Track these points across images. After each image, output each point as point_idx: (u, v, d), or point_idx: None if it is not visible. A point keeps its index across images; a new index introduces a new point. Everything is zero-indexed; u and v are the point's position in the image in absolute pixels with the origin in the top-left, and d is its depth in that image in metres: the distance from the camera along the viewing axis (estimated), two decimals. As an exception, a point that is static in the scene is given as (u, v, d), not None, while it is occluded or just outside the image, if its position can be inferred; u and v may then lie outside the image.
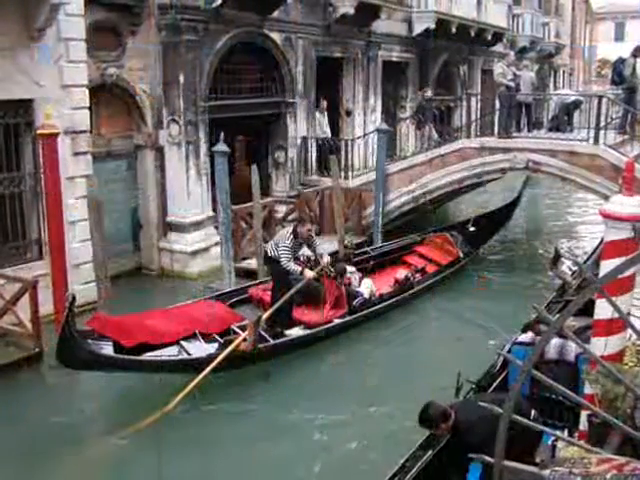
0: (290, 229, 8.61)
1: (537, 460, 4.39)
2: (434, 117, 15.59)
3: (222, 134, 9.45)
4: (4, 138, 8.68)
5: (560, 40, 30.35)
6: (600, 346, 3.96)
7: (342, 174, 13.28)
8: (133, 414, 6.50)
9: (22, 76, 8.51)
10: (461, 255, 11.40)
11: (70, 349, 6.35)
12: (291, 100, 13.53)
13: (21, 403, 6.96)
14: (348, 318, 8.77)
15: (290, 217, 12.10)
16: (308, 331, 8.34)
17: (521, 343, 5.73)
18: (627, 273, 3.41)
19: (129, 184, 11.24)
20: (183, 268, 11.23)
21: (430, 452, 4.62)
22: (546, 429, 3.72)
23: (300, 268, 8.33)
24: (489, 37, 20.32)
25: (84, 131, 9.29)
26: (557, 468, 3.11)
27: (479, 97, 16.03)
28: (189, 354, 7.27)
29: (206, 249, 11.40)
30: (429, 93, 16.48)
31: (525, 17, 25.10)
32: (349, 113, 15.83)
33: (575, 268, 8.42)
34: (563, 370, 5.21)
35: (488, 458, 3.30)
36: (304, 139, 13.99)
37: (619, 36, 45.34)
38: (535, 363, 3.21)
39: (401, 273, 10.30)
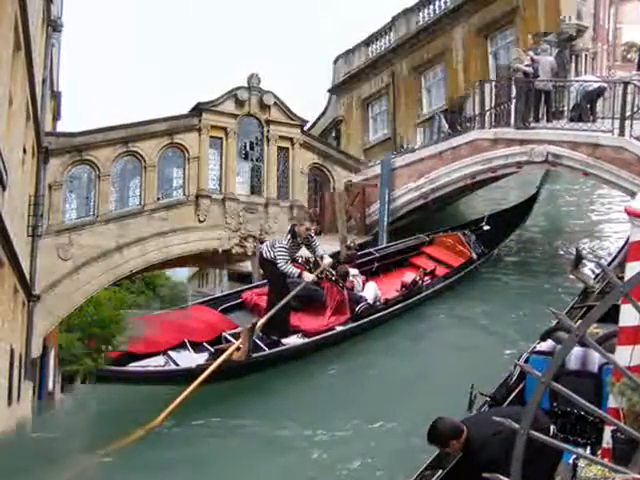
0: (288, 228, 8.60)
1: (557, 480, 4.38)
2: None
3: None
4: None
5: (582, 22, 30.32)
6: (626, 356, 3.95)
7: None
8: (117, 429, 6.51)
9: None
10: (474, 256, 11.41)
11: (48, 359, 6.36)
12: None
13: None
14: (351, 325, 8.78)
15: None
16: (307, 339, 8.35)
17: (540, 352, 5.72)
18: (655, 276, 3.39)
19: None
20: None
21: (440, 472, 4.60)
22: (567, 446, 3.71)
23: (298, 270, 8.32)
24: (504, 19, 20.30)
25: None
26: (579, 489, 3.11)
27: (494, 84, 16.01)
28: (177, 364, 7.28)
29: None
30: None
31: (543, -3, 25.07)
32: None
33: (598, 271, 8.43)
34: (585, 382, 5.20)
35: (503, 478, 3.29)
36: (303, 130, 14.02)
37: (646, 18, 45.32)
38: (555, 374, 3.20)
39: (408, 276, 10.29)
